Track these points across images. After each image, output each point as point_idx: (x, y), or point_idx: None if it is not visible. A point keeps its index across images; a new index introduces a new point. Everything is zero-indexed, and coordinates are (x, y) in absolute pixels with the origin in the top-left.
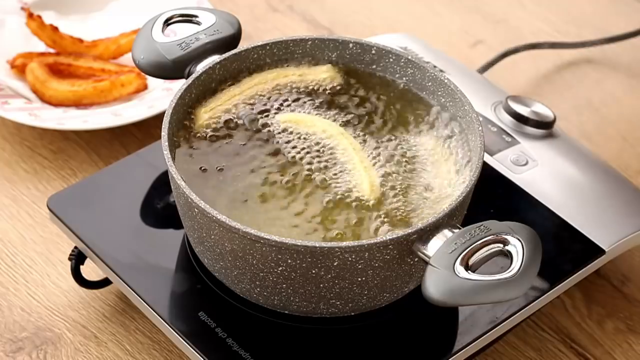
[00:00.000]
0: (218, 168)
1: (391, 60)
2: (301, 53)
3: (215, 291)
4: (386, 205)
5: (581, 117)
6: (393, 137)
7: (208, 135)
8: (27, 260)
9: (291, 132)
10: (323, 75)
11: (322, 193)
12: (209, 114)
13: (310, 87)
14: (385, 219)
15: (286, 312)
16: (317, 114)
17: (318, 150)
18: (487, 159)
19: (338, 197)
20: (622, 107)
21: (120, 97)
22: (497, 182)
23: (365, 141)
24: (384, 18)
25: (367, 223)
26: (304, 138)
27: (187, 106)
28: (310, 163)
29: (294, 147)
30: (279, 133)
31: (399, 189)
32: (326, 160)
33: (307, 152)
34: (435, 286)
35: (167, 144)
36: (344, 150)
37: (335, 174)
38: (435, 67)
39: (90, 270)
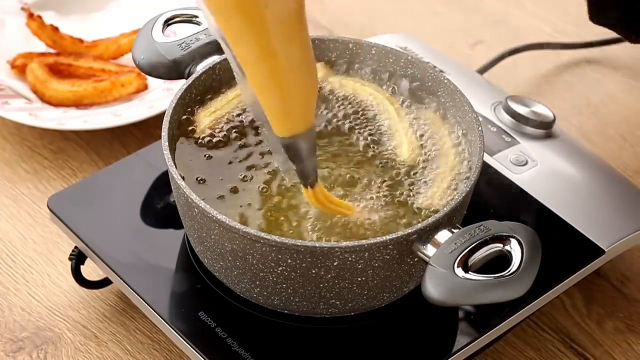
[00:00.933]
0: (207, 171)
1: (391, 60)
2: None
3: (215, 291)
4: (417, 173)
5: (581, 117)
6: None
7: (208, 138)
8: (27, 260)
9: (337, 96)
10: (319, 75)
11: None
12: (209, 119)
13: None
14: (411, 187)
15: (286, 312)
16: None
17: (358, 112)
18: (487, 159)
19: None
20: (621, 107)
21: (120, 97)
22: (497, 182)
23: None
24: (384, 18)
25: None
26: (349, 101)
27: (187, 106)
28: (350, 124)
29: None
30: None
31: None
32: (367, 122)
33: (351, 114)
34: (435, 286)
35: (167, 144)
36: (387, 114)
37: (372, 134)
38: (435, 67)
39: (91, 270)
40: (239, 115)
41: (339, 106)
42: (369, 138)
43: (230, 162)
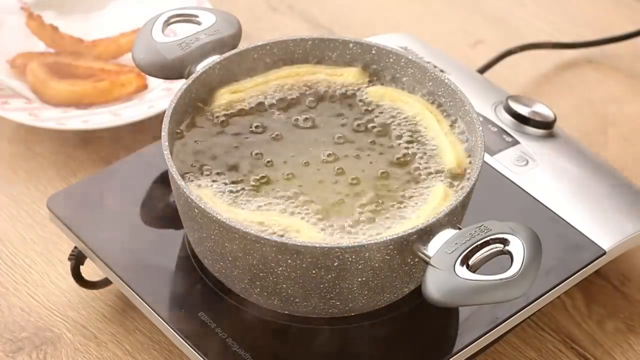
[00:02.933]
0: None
1: (391, 60)
2: (301, 53)
3: (215, 291)
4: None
5: (581, 117)
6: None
7: (220, 120)
8: (26, 260)
9: (378, 105)
10: (350, 79)
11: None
12: (227, 98)
13: (335, 89)
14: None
15: (286, 312)
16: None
17: (400, 124)
18: (487, 159)
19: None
20: (622, 107)
21: (120, 97)
22: (497, 182)
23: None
24: (384, 18)
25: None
26: (392, 113)
27: (187, 106)
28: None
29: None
30: (367, 106)
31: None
32: (412, 137)
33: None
34: (435, 287)
35: (167, 144)
36: (428, 124)
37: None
38: (435, 67)
39: (90, 270)
40: (257, 102)
41: (379, 114)
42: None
43: (232, 155)
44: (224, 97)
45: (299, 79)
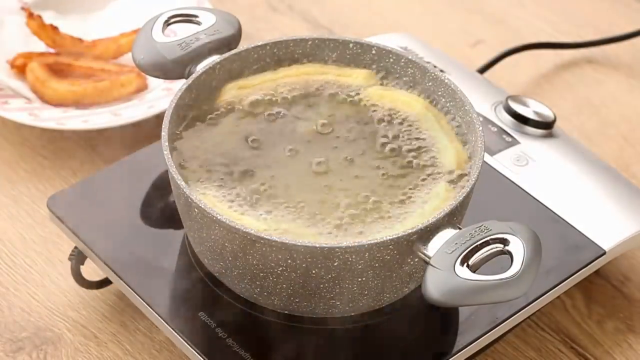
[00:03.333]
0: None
1: (391, 60)
2: (301, 53)
3: (215, 291)
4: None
5: (581, 117)
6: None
7: (221, 120)
8: (27, 260)
9: (378, 106)
10: (359, 80)
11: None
12: (233, 93)
13: (343, 90)
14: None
15: (286, 312)
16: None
17: (401, 124)
18: (487, 159)
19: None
20: (622, 107)
21: (120, 97)
22: (497, 182)
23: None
24: (384, 18)
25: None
26: (392, 114)
27: (187, 106)
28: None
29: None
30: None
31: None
32: (412, 137)
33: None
34: (435, 286)
35: (167, 144)
36: (428, 125)
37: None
38: (435, 67)
39: (91, 270)
40: (261, 100)
41: (379, 119)
42: (410, 147)
43: (233, 155)
44: (231, 93)
45: (307, 79)
